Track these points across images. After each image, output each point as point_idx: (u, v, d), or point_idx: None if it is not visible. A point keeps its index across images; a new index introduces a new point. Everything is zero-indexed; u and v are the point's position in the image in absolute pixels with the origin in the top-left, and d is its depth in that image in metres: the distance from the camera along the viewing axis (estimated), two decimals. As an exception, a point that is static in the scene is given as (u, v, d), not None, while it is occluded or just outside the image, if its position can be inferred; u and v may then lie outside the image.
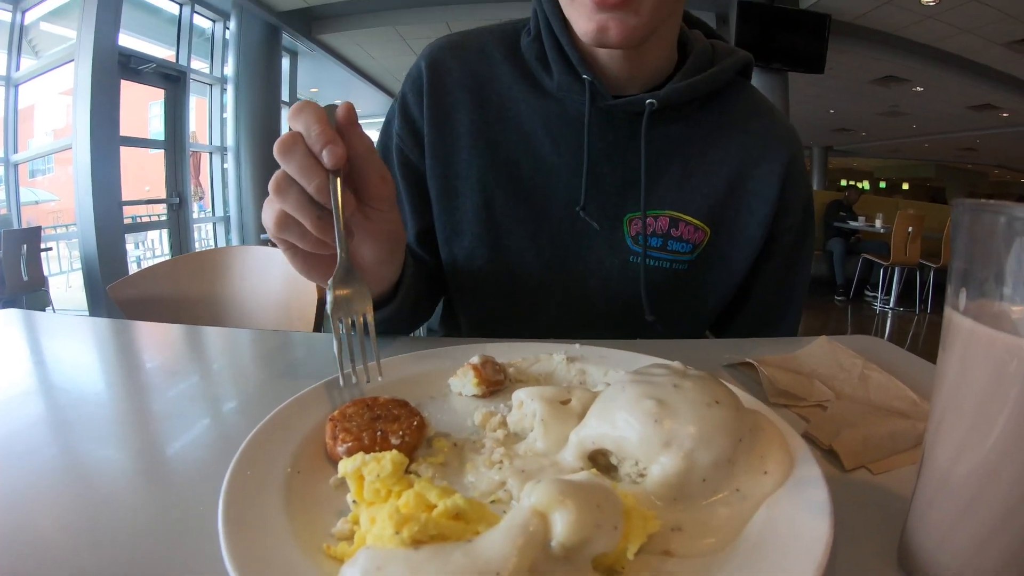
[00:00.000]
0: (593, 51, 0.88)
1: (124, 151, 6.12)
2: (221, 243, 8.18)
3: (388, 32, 8.31)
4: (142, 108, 7.11)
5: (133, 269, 6.18)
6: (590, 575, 0.35)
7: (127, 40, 6.11)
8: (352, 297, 0.62)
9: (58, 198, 7.21)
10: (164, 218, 7.26)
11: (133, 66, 6.28)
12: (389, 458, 0.41)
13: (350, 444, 0.47)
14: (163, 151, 7.10)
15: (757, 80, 6.72)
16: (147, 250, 7.79)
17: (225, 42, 7.76)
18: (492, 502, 0.43)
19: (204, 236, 8.20)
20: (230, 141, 7.89)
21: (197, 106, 7.60)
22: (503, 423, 0.54)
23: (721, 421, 0.44)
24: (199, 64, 7.53)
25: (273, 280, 1.40)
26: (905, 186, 24.76)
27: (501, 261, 0.96)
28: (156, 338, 0.91)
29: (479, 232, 0.95)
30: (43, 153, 6.70)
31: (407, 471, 0.46)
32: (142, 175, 7.20)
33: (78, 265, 6.22)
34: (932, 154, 19.85)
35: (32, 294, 5.52)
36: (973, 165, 21.60)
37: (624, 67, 0.90)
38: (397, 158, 0.98)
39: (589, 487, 0.36)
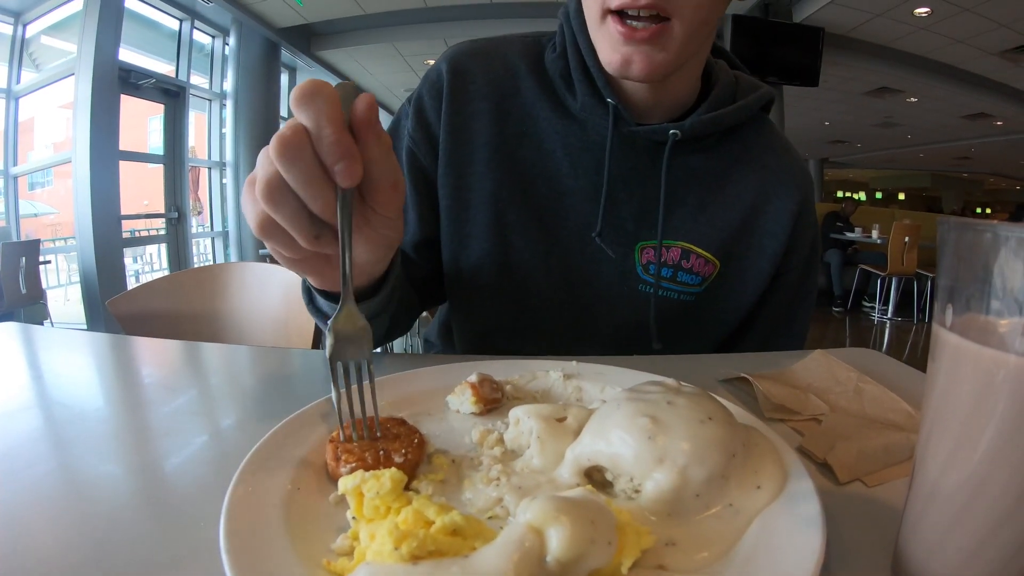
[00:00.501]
0: None
1: (123, 165, 6.13)
2: (220, 258, 8.18)
3: (386, 49, 8.35)
4: (142, 122, 7.13)
5: (131, 283, 6.19)
6: (586, 590, 0.35)
7: (127, 55, 6.14)
8: (354, 339, 0.54)
9: (57, 211, 7.21)
10: (163, 232, 7.27)
11: (133, 81, 6.30)
12: (388, 475, 0.42)
13: (354, 465, 0.47)
14: (162, 166, 7.12)
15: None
16: (145, 264, 7.79)
17: (224, 58, 7.80)
18: (490, 518, 0.44)
19: (203, 251, 8.20)
20: (229, 156, 7.91)
21: (196, 121, 7.62)
22: (500, 440, 0.54)
23: (714, 437, 0.44)
24: (198, 79, 7.56)
25: (272, 297, 1.41)
26: (901, 196, 24.86)
27: (508, 278, 0.94)
28: (155, 354, 0.91)
29: (487, 248, 0.93)
30: (43, 166, 6.71)
31: (409, 488, 0.46)
32: (141, 189, 7.20)
33: (76, 278, 6.21)
34: (927, 164, 19.92)
35: (30, 307, 5.51)
36: (968, 174, 21.69)
37: (649, 95, 0.89)
38: (407, 161, 0.95)
39: (583, 503, 0.37)
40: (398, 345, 3.44)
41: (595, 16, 0.79)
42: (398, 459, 0.48)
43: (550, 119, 0.92)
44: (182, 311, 1.40)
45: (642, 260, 0.92)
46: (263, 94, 7.95)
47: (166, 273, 2.59)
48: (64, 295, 7.21)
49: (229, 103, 7.82)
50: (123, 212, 6.18)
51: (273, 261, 0.60)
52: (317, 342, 1.32)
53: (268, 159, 0.47)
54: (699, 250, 0.92)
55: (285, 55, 8.27)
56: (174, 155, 7.17)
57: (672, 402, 0.46)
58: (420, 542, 0.35)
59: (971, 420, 0.33)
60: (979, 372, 0.32)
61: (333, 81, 0.50)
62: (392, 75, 9.80)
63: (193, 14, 7.09)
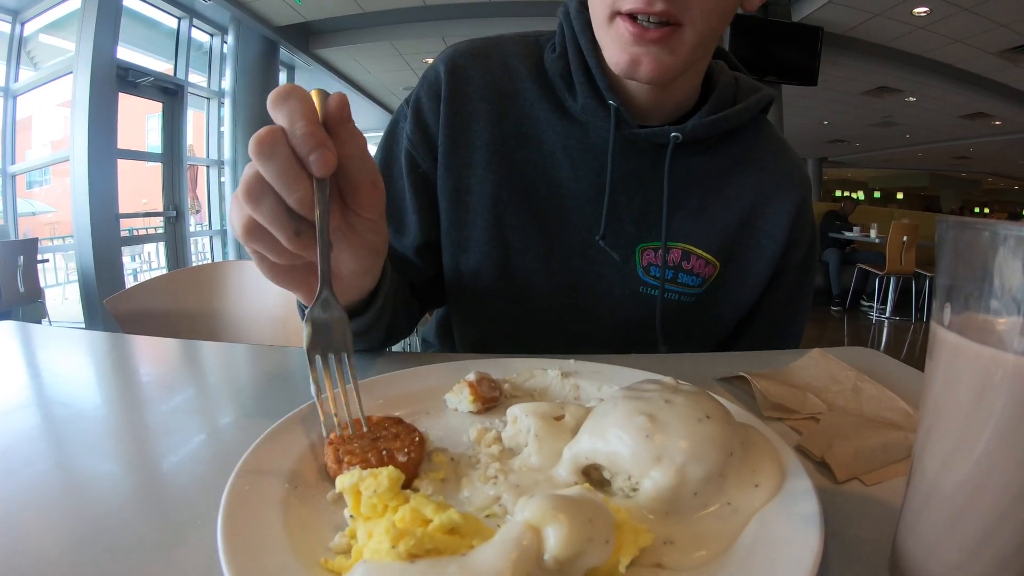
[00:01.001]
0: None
1: (121, 164, 6.12)
2: (218, 256, 8.18)
3: (385, 47, 8.34)
4: (140, 121, 7.12)
5: (129, 282, 6.19)
6: (583, 588, 0.35)
7: (125, 53, 6.13)
8: (332, 331, 0.54)
9: (55, 209, 7.20)
10: (161, 231, 7.26)
11: (131, 79, 6.29)
12: (386, 474, 0.42)
13: (358, 466, 0.46)
14: (160, 164, 7.11)
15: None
16: (143, 263, 7.79)
17: (223, 56, 7.79)
18: (487, 516, 0.44)
19: (200, 249, 8.20)
20: (227, 154, 7.90)
21: (194, 119, 7.61)
22: (498, 439, 0.54)
23: (712, 435, 0.44)
24: (197, 78, 7.55)
25: (270, 295, 1.40)
26: (900, 196, 24.88)
27: (508, 281, 0.94)
28: (153, 352, 0.91)
29: (487, 250, 0.93)
30: (41, 165, 6.71)
31: (411, 487, 0.46)
32: (139, 188, 7.20)
33: (74, 277, 6.21)
34: (926, 163, 19.93)
35: (28, 306, 5.51)
36: (967, 173, 21.72)
37: (651, 97, 0.88)
38: (406, 164, 0.94)
39: (581, 501, 0.36)
40: (396, 344, 3.43)
41: (603, 17, 0.78)
42: (401, 458, 0.48)
43: (550, 120, 0.91)
44: (180, 310, 1.40)
45: (643, 262, 0.92)
46: (261, 92, 7.89)
47: (164, 272, 2.58)
48: (62, 294, 7.21)
49: (227, 101, 7.81)
50: (121, 211, 6.17)
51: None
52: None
53: (249, 165, 0.50)
54: (699, 251, 0.92)
55: (283, 53, 8.26)
56: (172, 153, 7.16)
57: (670, 400, 0.46)
58: (418, 540, 0.34)
59: (970, 419, 0.33)
60: (978, 371, 0.32)
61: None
62: (391, 73, 9.79)
63: (191, 12, 7.08)
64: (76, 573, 0.39)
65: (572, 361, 0.71)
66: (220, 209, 8.09)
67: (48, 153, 6.69)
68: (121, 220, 6.23)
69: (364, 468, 0.45)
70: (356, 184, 0.55)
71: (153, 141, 7.17)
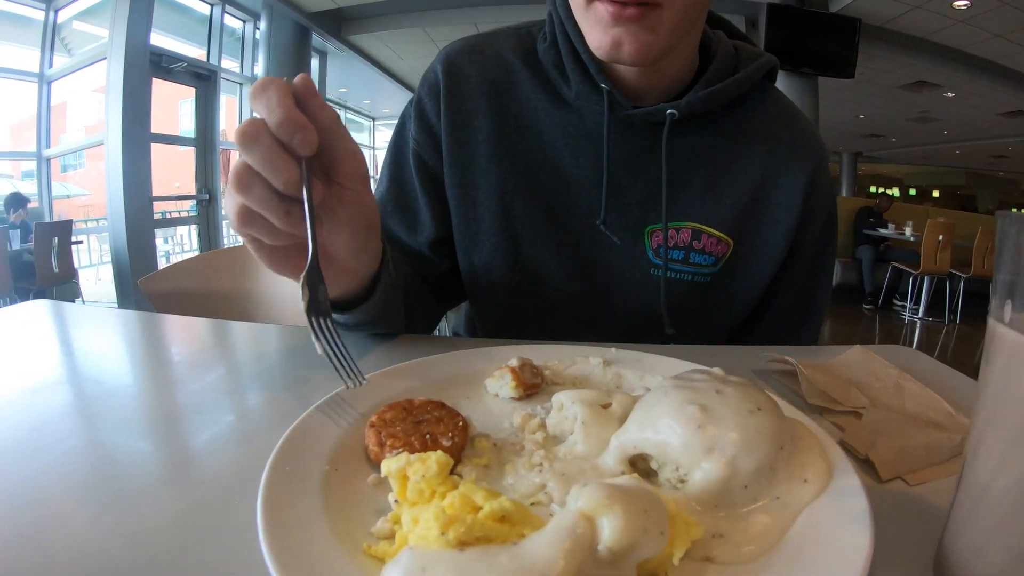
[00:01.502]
0: None
1: (155, 148, 6.23)
2: (248, 240, 8.27)
3: (416, 33, 8.35)
4: (173, 106, 7.22)
5: (162, 263, 6.29)
6: (634, 580, 0.35)
7: (158, 39, 6.22)
8: (324, 294, 0.58)
9: (89, 193, 7.34)
10: (193, 214, 7.37)
11: (164, 64, 6.38)
12: (434, 459, 0.41)
13: (400, 449, 0.46)
14: (193, 148, 7.21)
15: (787, 85, 6.67)
16: (176, 245, 7.92)
17: (255, 42, 7.86)
18: (532, 504, 0.43)
19: (232, 232, 8.28)
20: (259, 139, 7.97)
21: (227, 104, 7.70)
22: (542, 425, 0.54)
23: (763, 428, 0.43)
24: (229, 63, 7.63)
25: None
26: (935, 193, 24.37)
27: (520, 271, 0.94)
28: (185, 332, 0.91)
29: (497, 242, 0.93)
30: (75, 149, 6.84)
31: (453, 472, 0.46)
32: (172, 171, 7.31)
33: (108, 258, 6.33)
34: (963, 161, 19.52)
35: (62, 286, 5.65)
36: (1004, 173, 21.20)
37: (643, 77, 0.87)
38: (414, 163, 0.95)
39: (636, 492, 0.36)
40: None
41: (580, 1, 0.77)
42: (446, 442, 0.47)
43: (547, 110, 0.91)
44: (213, 290, 1.41)
45: (652, 244, 0.91)
46: (294, 78, 7.97)
47: (196, 254, 2.61)
48: (96, 274, 7.36)
49: (259, 87, 7.87)
50: (154, 194, 6.28)
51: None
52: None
53: (237, 157, 0.54)
54: (710, 230, 0.91)
55: (316, 39, 8.31)
56: (205, 138, 7.26)
57: (721, 391, 0.45)
58: (468, 528, 0.34)
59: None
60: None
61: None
62: (422, 60, 9.78)
63: (224, -1, 7.15)
64: (110, 550, 0.39)
65: (613, 349, 0.71)
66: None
67: (82, 137, 6.81)
68: (154, 203, 6.34)
69: (407, 451, 0.45)
70: (334, 154, 0.59)
71: (186, 126, 7.27)
